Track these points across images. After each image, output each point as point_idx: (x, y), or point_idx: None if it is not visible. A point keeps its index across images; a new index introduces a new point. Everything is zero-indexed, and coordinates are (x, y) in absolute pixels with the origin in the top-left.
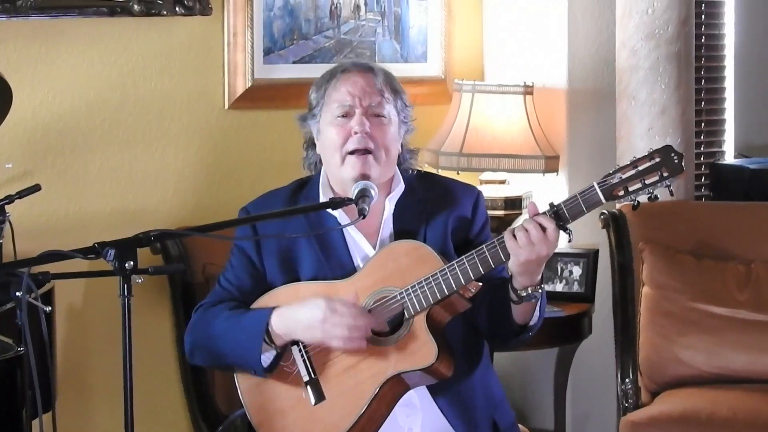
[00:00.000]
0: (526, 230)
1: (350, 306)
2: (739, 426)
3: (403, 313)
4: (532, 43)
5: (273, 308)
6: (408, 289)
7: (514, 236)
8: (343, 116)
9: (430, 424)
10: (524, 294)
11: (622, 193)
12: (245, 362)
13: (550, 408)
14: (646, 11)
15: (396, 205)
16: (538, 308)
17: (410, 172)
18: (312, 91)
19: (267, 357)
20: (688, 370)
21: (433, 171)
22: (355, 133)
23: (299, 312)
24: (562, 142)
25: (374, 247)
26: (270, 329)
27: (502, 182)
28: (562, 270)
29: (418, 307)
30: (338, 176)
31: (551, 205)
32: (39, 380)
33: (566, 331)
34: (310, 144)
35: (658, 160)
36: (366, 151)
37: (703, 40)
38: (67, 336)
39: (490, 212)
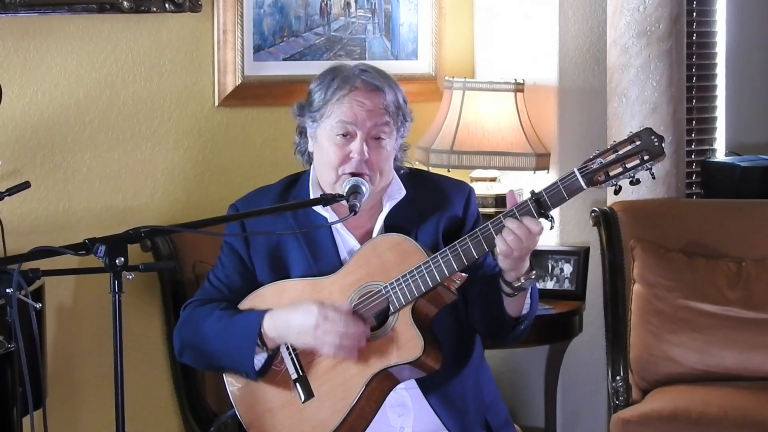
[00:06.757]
0: (514, 232)
1: (343, 313)
2: (729, 424)
3: (389, 308)
4: (523, 40)
5: (265, 311)
6: (392, 283)
7: (504, 241)
8: (343, 135)
9: (421, 424)
10: (517, 285)
11: (602, 178)
12: (237, 365)
13: (540, 406)
14: (637, 8)
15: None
16: (529, 296)
17: (401, 171)
18: (315, 88)
19: (259, 359)
20: (678, 368)
21: (423, 168)
22: (352, 157)
23: (291, 317)
24: (553, 140)
25: None
26: (262, 332)
27: (493, 179)
28: (553, 268)
29: (403, 301)
30: (330, 188)
31: (532, 192)
32: (29, 377)
33: (557, 329)
34: (303, 131)
35: (638, 143)
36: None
37: (694, 38)
38: (57, 333)
39: (481, 210)
